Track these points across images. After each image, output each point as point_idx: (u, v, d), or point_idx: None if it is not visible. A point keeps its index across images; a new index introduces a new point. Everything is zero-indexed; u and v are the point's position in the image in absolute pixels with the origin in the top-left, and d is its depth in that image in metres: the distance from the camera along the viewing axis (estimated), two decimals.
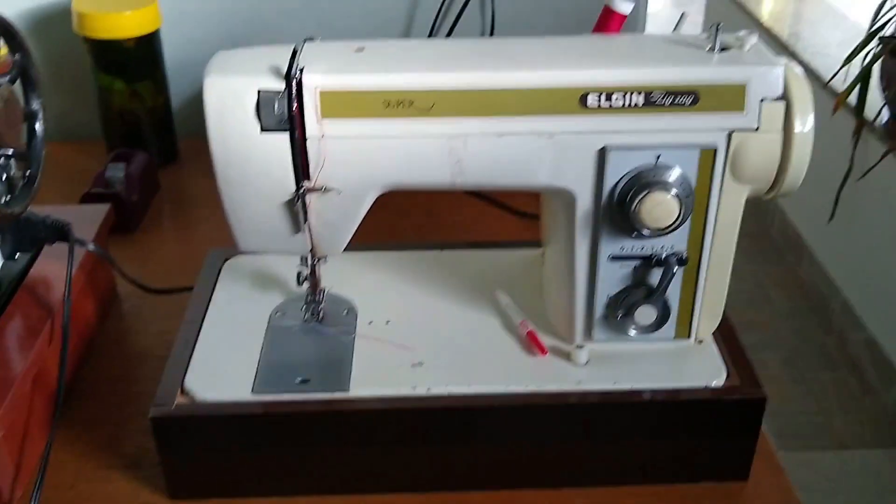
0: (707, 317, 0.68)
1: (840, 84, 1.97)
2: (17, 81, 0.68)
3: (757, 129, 0.60)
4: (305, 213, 0.63)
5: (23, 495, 0.66)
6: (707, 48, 0.61)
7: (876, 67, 1.87)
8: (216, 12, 1.13)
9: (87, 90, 1.11)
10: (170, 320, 0.81)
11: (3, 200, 0.66)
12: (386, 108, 0.59)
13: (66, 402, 0.74)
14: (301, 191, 0.62)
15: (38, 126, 0.71)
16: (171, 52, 1.11)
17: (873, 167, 1.90)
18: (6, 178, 0.67)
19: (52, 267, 0.75)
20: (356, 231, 0.65)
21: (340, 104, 0.59)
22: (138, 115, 1.08)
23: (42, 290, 0.73)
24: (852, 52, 1.85)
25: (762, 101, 0.59)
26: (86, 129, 1.18)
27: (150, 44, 1.05)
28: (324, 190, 0.62)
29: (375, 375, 0.66)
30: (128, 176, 0.99)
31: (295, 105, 0.59)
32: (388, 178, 0.62)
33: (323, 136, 0.60)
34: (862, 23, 1.91)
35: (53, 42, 1.14)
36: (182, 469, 0.65)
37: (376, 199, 0.64)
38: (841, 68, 1.91)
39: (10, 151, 0.68)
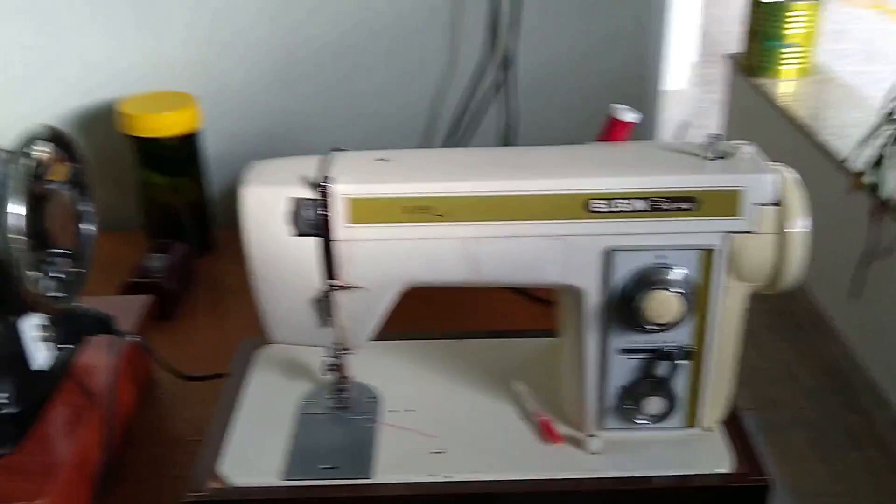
0: (714, 406, 0.71)
1: (858, 162, 2.01)
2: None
3: (752, 231, 0.64)
4: (333, 308, 0.68)
5: None
6: (705, 156, 0.66)
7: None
8: (253, 109, 1.20)
9: (129, 184, 1.18)
10: (204, 406, 0.85)
11: (53, 295, 0.71)
12: (405, 213, 0.64)
13: (105, 485, 0.78)
14: (329, 288, 0.67)
15: (88, 227, 0.77)
16: (210, 145, 1.18)
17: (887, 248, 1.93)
18: (59, 275, 0.72)
19: (96, 356, 0.80)
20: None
21: (364, 210, 0.64)
22: (177, 207, 1.14)
23: (86, 379, 0.78)
24: (867, 135, 1.89)
25: (756, 205, 0.64)
26: (127, 220, 1.24)
27: (189, 142, 1.12)
28: (351, 288, 0.67)
29: (398, 462, 0.70)
30: (167, 266, 1.05)
31: (324, 211, 0.64)
32: (409, 277, 0.67)
33: (350, 239, 0.65)
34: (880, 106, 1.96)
35: (97, 139, 1.21)
36: None
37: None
38: (854, 149, 1.95)
39: (65, 251, 0.74)
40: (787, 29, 2.59)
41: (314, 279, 0.66)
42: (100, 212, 1.26)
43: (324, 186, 0.64)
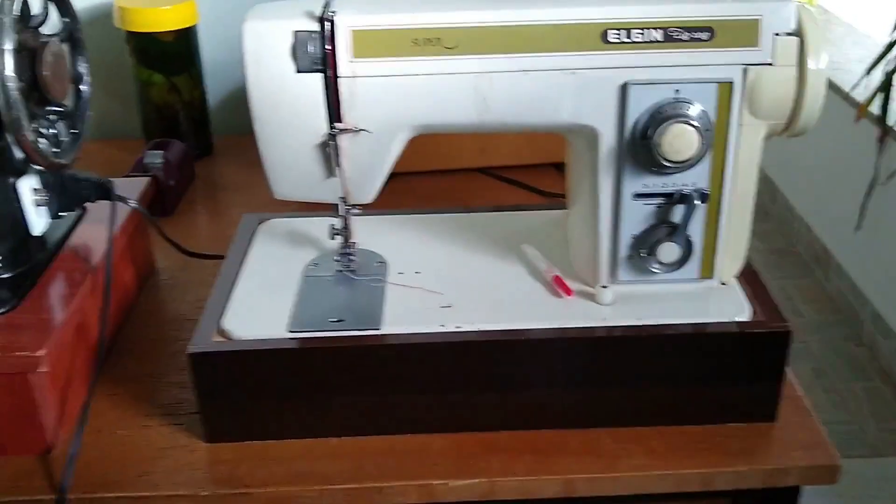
0: (730, 258, 0.69)
1: (862, 95, 1.99)
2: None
3: (771, 63, 0.62)
4: (338, 155, 0.66)
5: (66, 439, 0.68)
6: None
7: None
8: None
9: (129, 90, 1.16)
10: (205, 288, 0.83)
11: (51, 152, 0.69)
12: (414, 46, 0.62)
13: (106, 359, 0.77)
14: (333, 131, 0.64)
15: (83, 87, 0.75)
16: (208, 51, 1.15)
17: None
18: (54, 133, 0.70)
19: (94, 229, 0.78)
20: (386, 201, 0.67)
21: (371, 43, 0.62)
22: (175, 108, 1.12)
23: (84, 249, 0.76)
24: (874, 62, 1.87)
25: (776, 35, 0.61)
26: (127, 127, 1.22)
27: (187, 38, 1.09)
28: (355, 130, 0.64)
29: (406, 315, 0.68)
30: (165, 162, 1.03)
31: (328, 45, 0.61)
32: (417, 118, 0.65)
33: (354, 75, 0.62)
34: (882, 41, 1.94)
35: (98, 41, 1.19)
36: (218, 411, 0.67)
37: (393, 180, 0.66)
38: (862, 78, 1.93)
39: (61, 109, 0.71)
40: None
41: (317, 122, 0.64)
42: (102, 120, 1.24)
43: (327, 18, 0.61)
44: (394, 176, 1.08)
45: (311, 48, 0.62)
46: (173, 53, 1.09)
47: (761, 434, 0.68)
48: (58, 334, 0.66)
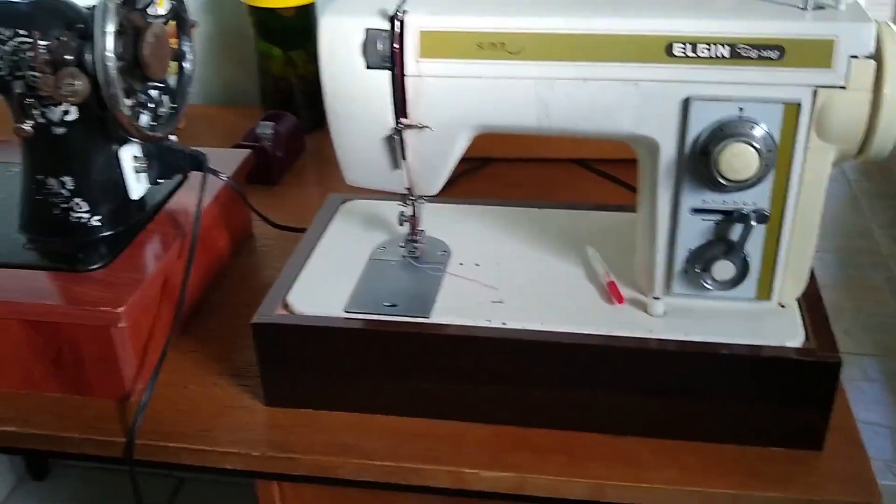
0: (791, 280, 0.67)
1: None
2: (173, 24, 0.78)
3: (844, 86, 0.60)
4: (403, 148, 0.68)
5: (144, 389, 0.75)
6: (801, 5, 0.61)
7: None
8: None
9: (252, 62, 1.22)
10: None
11: (148, 125, 0.75)
12: (479, 49, 0.63)
13: (190, 319, 0.83)
14: (399, 126, 0.67)
15: (186, 65, 0.81)
16: None
17: None
18: (154, 107, 0.76)
19: (192, 196, 0.84)
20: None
21: (437, 44, 0.64)
22: (291, 81, 1.18)
23: (179, 214, 0.83)
24: None
25: (852, 58, 0.59)
26: (249, 96, 1.29)
27: (305, 15, 1.14)
28: (420, 127, 0.67)
29: (457, 307, 0.70)
30: (275, 133, 1.08)
31: (396, 44, 0.64)
32: (478, 119, 0.66)
33: (420, 74, 0.65)
34: None
35: (225, 16, 1.26)
36: (277, 377, 0.72)
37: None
38: None
39: (162, 86, 0.77)
40: None
41: (385, 116, 0.67)
42: (224, 87, 1.32)
43: (398, 17, 0.63)
44: (488, 162, 1.11)
45: (380, 46, 0.64)
46: (291, 28, 1.14)
47: (802, 462, 0.66)
48: (139, 293, 0.72)
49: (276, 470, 0.71)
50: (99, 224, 0.78)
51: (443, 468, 0.68)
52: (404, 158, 0.69)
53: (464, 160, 1.08)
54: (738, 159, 0.61)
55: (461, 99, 0.65)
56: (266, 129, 1.09)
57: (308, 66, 1.17)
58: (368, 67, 0.65)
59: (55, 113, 0.74)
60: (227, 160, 0.91)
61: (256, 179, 1.06)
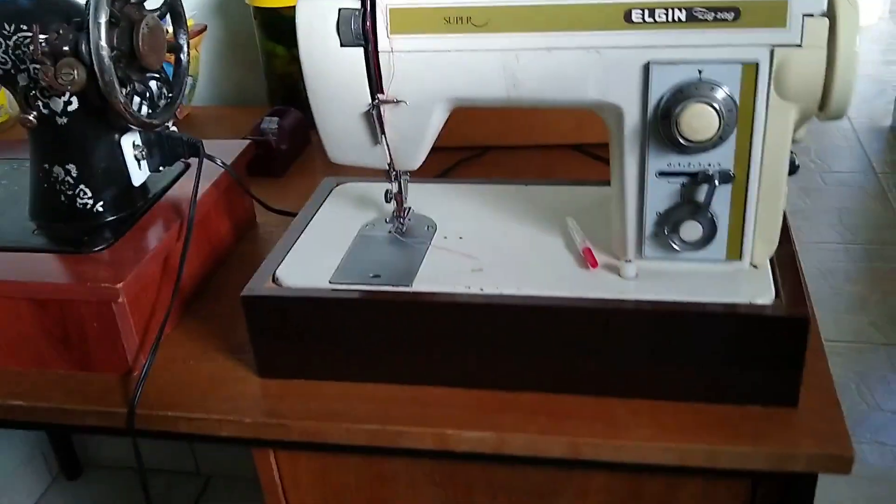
0: (761, 240, 0.69)
1: None
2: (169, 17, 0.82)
3: (800, 45, 0.61)
4: (381, 124, 0.71)
5: (144, 365, 0.78)
6: None
7: None
8: None
9: (259, 62, 1.26)
10: None
11: (145, 113, 0.79)
12: (446, 24, 0.66)
13: (192, 301, 0.87)
14: (375, 102, 0.70)
15: (182, 57, 0.84)
16: None
17: None
18: (151, 95, 0.80)
19: (192, 184, 0.87)
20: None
21: (406, 20, 0.66)
22: (296, 78, 1.21)
23: (179, 201, 0.86)
24: None
25: (806, 16, 0.61)
26: (257, 95, 1.33)
27: None
28: (395, 101, 0.70)
29: (438, 276, 0.73)
30: (279, 128, 1.12)
31: (368, 21, 0.67)
32: (450, 92, 0.69)
33: (392, 50, 0.67)
34: None
35: (235, 19, 1.30)
36: (268, 349, 0.75)
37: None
38: None
39: (159, 76, 0.81)
40: None
41: (361, 93, 0.70)
42: (237, 89, 1.37)
43: None
44: (490, 149, 1.13)
45: (353, 24, 0.67)
46: (294, 26, 1.18)
47: (778, 419, 0.67)
48: (139, 270, 0.76)
49: (269, 437, 0.73)
50: (102, 210, 0.82)
51: (427, 430, 0.70)
52: (383, 134, 0.72)
53: (462, 148, 1.12)
54: (698, 119, 0.63)
55: (432, 73, 0.68)
56: (270, 123, 1.13)
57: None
58: (343, 46, 0.68)
59: (57, 104, 0.78)
60: (228, 150, 0.95)
61: (262, 172, 1.10)
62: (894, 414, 1.85)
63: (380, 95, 0.70)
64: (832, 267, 2.33)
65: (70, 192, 0.81)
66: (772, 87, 0.63)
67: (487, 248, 0.76)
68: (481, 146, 1.13)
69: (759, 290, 0.67)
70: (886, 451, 1.75)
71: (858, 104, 3.30)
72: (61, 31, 0.73)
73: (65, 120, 0.79)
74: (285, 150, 1.13)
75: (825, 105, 0.63)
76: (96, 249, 0.79)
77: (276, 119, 1.13)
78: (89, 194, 0.82)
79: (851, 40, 0.60)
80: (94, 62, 0.72)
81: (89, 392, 0.77)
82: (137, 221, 0.83)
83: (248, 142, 0.98)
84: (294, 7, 1.14)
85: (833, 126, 3.15)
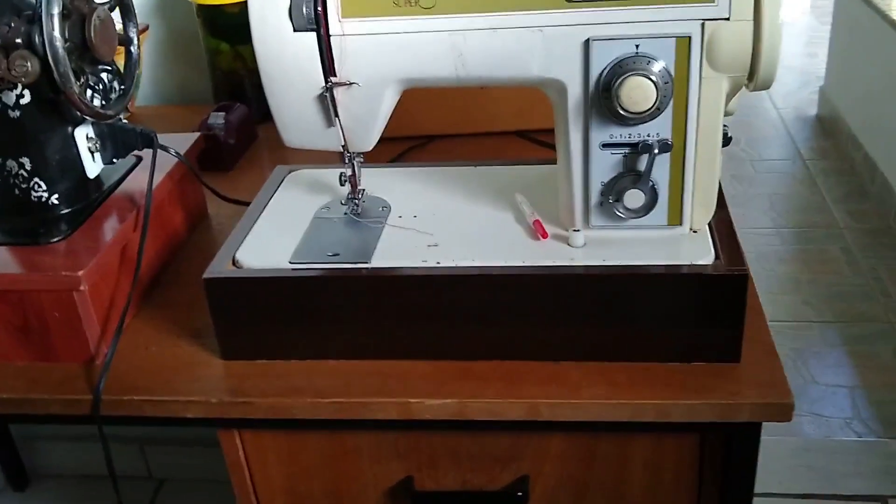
0: (699, 206, 0.73)
1: None
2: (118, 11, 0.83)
3: (728, 18, 0.66)
4: (334, 106, 0.73)
5: (107, 353, 0.79)
6: None
7: None
8: None
9: (202, 60, 1.27)
10: None
11: (99, 104, 0.80)
12: (395, 6, 0.69)
13: (150, 290, 0.88)
14: (328, 85, 0.72)
15: (133, 49, 0.86)
16: None
17: None
18: (103, 87, 0.81)
19: (146, 176, 0.88)
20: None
21: (356, 4, 0.69)
22: (241, 74, 1.23)
23: (134, 192, 0.87)
24: None
25: None
26: (202, 94, 1.34)
27: None
28: (348, 84, 0.72)
29: (395, 252, 0.75)
30: (226, 123, 1.13)
31: (320, 6, 0.69)
32: (401, 73, 0.72)
33: (344, 34, 0.70)
34: None
35: (179, 18, 1.31)
36: (231, 331, 0.76)
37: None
38: None
39: (111, 68, 0.82)
40: None
41: (315, 76, 0.72)
42: (179, 87, 1.37)
43: None
44: (436, 138, 1.16)
45: (305, 9, 0.70)
46: (238, 23, 1.20)
47: (722, 373, 0.71)
48: (98, 260, 0.77)
49: (234, 415, 0.75)
50: (57, 202, 0.83)
51: (390, 400, 0.72)
52: (337, 116, 0.74)
53: (409, 138, 1.15)
54: (637, 91, 0.67)
55: (383, 55, 0.71)
56: (217, 118, 1.14)
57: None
58: (296, 30, 0.70)
59: (10, 97, 0.79)
60: (179, 143, 0.96)
61: (211, 166, 1.11)
62: (829, 387, 1.93)
63: (332, 78, 0.72)
64: (766, 251, 2.42)
65: (24, 186, 0.82)
66: (704, 59, 0.67)
67: (441, 225, 0.78)
68: (427, 135, 1.16)
69: (699, 252, 0.71)
70: (822, 422, 1.83)
71: (785, 95, 3.42)
72: (13, 24, 0.74)
73: (17, 113, 0.79)
74: (233, 144, 1.14)
75: (753, 75, 0.68)
76: (53, 241, 0.80)
77: (222, 114, 1.14)
78: (44, 187, 0.82)
79: (775, 13, 0.65)
80: (49, 53, 0.73)
81: (52, 381, 0.78)
82: (93, 213, 0.84)
83: (197, 134, 0.99)
84: (237, 4, 1.17)
85: (762, 116, 3.27)
